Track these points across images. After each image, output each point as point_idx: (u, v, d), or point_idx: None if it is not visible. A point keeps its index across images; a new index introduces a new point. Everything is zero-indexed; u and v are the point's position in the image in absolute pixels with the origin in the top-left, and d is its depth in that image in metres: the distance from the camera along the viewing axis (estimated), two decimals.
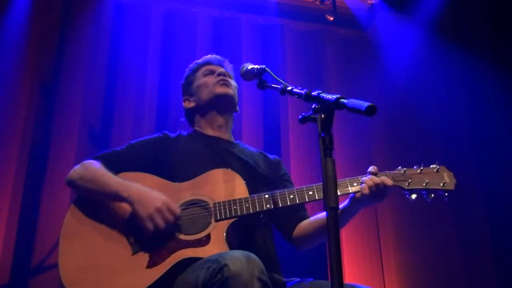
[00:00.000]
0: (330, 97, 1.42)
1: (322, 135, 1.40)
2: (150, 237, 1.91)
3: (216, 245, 1.87)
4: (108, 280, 1.86)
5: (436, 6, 4.22)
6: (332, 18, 4.11)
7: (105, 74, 3.70)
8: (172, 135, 2.34)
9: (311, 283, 2.02)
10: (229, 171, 2.08)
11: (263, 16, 4.24)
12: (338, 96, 1.41)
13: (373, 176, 1.95)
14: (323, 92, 1.49)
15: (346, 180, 1.99)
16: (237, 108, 2.45)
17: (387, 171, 2.01)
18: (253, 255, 1.65)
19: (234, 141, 2.43)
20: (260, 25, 4.25)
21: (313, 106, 1.48)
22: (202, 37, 4.01)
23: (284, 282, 2.03)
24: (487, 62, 4.05)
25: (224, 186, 2.03)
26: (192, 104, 2.43)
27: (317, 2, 4.13)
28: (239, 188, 2.02)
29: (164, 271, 1.84)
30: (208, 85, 2.38)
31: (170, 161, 2.19)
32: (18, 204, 3.18)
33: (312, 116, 1.49)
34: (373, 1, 4.43)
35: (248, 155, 2.33)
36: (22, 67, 3.45)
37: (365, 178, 1.96)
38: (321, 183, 1.90)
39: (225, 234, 1.90)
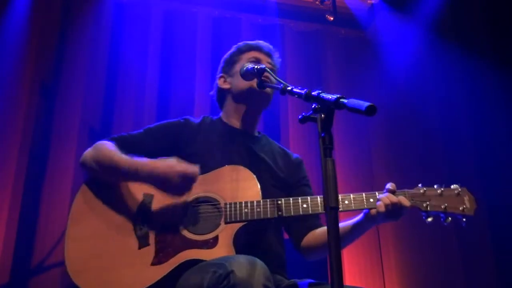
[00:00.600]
0: (330, 97, 1.42)
1: (322, 135, 1.40)
2: (157, 232, 1.90)
3: (223, 248, 1.85)
4: (112, 273, 1.85)
5: (436, 6, 4.22)
6: (332, 18, 4.11)
7: (105, 74, 3.70)
8: (194, 120, 2.24)
9: (311, 285, 2.01)
10: (243, 169, 2.02)
11: (263, 16, 4.24)
12: (338, 96, 1.40)
13: (391, 194, 1.89)
14: (323, 92, 1.49)
15: (362, 194, 1.94)
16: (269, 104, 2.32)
17: (405, 190, 1.96)
18: (259, 261, 1.63)
19: (258, 134, 2.32)
20: (260, 25, 4.24)
21: (313, 106, 1.47)
22: (202, 37, 4.01)
23: (295, 283, 2.00)
24: (487, 62, 4.05)
25: (237, 185, 1.98)
26: (226, 86, 2.29)
27: (317, 2, 4.13)
28: (252, 189, 1.97)
29: (168, 271, 1.83)
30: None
31: (186, 149, 2.11)
32: (18, 204, 3.17)
33: (312, 116, 1.48)
34: (373, 1, 4.43)
35: (269, 152, 2.24)
36: (22, 67, 3.45)
37: (382, 196, 1.90)
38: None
39: (233, 238, 1.88)
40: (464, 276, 3.71)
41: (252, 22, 4.23)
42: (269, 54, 2.32)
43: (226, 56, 2.39)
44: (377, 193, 1.93)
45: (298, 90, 1.66)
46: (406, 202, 1.89)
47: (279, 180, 2.16)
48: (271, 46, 2.37)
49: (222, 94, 2.34)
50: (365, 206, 1.92)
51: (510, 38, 4.09)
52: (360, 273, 3.68)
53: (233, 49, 2.37)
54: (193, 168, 1.86)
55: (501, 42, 4.14)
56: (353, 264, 3.69)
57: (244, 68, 2.06)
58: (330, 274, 1.29)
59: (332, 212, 1.32)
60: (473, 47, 4.13)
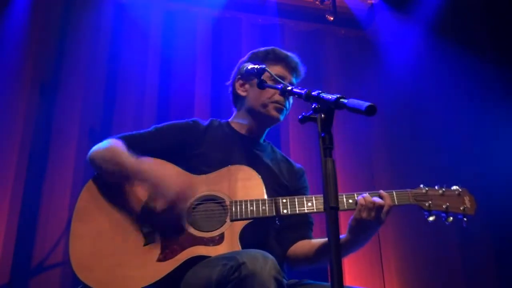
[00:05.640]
0: (330, 97, 1.42)
1: (322, 135, 1.40)
2: (163, 229, 1.90)
3: (229, 245, 1.86)
4: (117, 270, 1.85)
5: (436, 6, 4.22)
6: (332, 18, 4.11)
7: (105, 74, 3.70)
8: (202, 123, 2.25)
9: (311, 285, 2.00)
10: (248, 168, 2.04)
11: (263, 16, 4.23)
12: (338, 96, 1.40)
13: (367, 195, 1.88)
14: (323, 92, 1.49)
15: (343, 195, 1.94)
16: None
17: (408, 190, 1.98)
18: (270, 255, 1.64)
19: (263, 142, 2.33)
20: (260, 25, 4.24)
21: (313, 106, 1.48)
22: (202, 37, 4.01)
23: (295, 283, 2.01)
24: (487, 62, 4.05)
25: (242, 184, 2.00)
26: (243, 93, 2.26)
27: (317, 2, 4.13)
28: (257, 188, 1.99)
29: (174, 267, 1.83)
30: (265, 95, 2.18)
31: (192, 151, 2.12)
32: (18, 204, 3.17)
33: (312, 116, 1.49)
34: (373, 1, 4.42)
35: (273, 160, 2.26)
36: (22, 67, 3.45)
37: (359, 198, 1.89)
38: (341, 194, 1.88)
39: (239, 235, 1.89)
40: (465, 276, 3.71)
41: (252, 22, 4.23)
42: (293, 73, 2.26)
43: (244, 59, 2.32)
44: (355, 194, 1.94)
45: (298, 90, 1.66)
46: (380, 201, 1.85)
47: (281, 186, 2.16)
48: (298, 61, 2.28)
49: (237, 98, 2.32)
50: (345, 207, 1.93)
51: (510, 38, 4.10)
52: (360, 273, 3.68)
53: (258, 54, 2.28)
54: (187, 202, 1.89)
55: (501, 42, 4.15)
56: (353, 265, 3.69)
57: (244, 69, 2.05)
58: (330, 274, 1.29)
59: (332, 212, 1.32)
60: (473, 47, 4.14)
